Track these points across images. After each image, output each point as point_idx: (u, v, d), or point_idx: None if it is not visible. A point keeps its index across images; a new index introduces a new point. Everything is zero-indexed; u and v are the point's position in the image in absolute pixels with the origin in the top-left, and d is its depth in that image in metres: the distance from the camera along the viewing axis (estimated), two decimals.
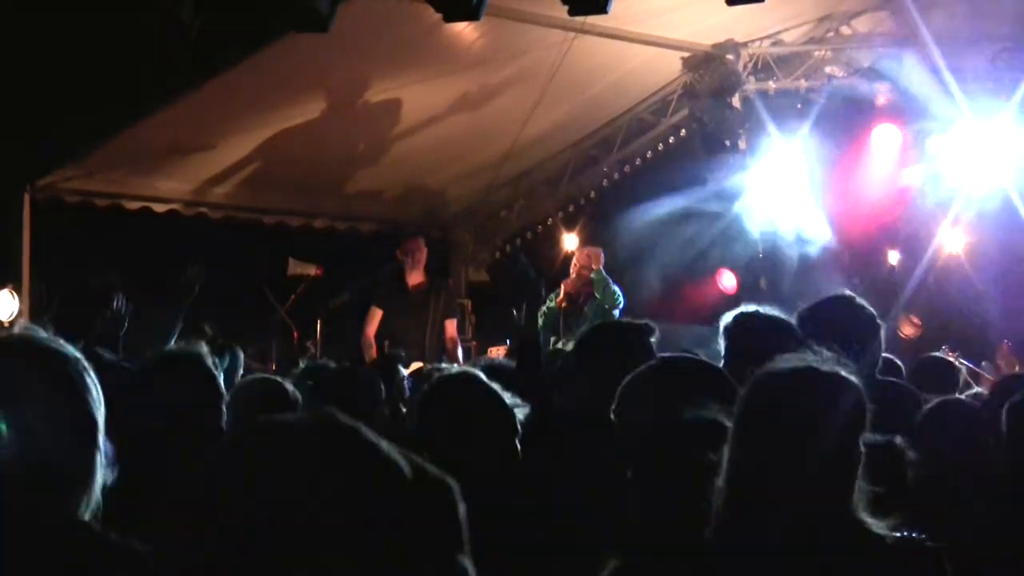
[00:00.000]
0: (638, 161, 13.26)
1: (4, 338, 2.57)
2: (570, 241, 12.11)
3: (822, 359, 3.12)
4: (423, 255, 10.58)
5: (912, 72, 10.87)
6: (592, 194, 13.67)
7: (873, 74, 11.79)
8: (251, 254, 12.78)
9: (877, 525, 2.72)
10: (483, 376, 4.11)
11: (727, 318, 4.82)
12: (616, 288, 10.24)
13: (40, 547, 2.18)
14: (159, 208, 12.36)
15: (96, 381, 2.32)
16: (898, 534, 2.72)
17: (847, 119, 11.91)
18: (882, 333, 4.88)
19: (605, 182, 13.56)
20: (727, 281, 12.40)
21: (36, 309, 10.08)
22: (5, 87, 9.89)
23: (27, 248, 11.46)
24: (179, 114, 10.54)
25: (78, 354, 2.35)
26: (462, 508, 1.52)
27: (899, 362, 6.15)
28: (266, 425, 1.59)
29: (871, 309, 4.85)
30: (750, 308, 4.83)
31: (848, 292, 5.16)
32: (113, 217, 12.25)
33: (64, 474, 2.21)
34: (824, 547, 2.66)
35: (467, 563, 1.49)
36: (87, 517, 2.27)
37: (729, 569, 2.70)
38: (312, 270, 11.75)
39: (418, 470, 1.53)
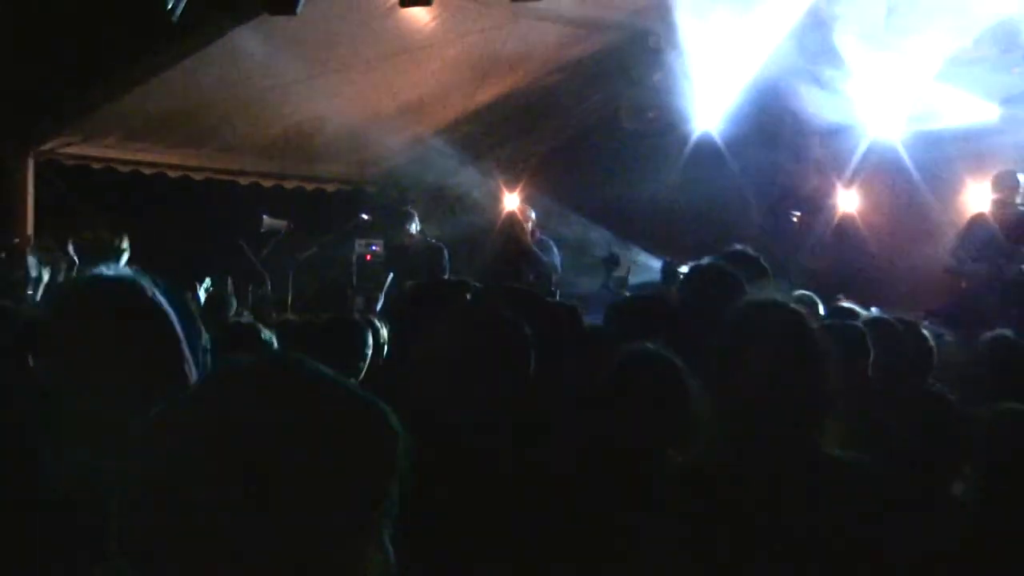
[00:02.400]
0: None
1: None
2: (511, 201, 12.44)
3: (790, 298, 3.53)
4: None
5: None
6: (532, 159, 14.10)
7: None
8: (229, 211, 12.96)
9: (833, 448, 2.84)
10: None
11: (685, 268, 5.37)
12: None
13: None
14: (147, 171, 12.76)
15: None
16: (849, 458, 2.82)
17: None
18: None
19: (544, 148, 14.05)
20: None
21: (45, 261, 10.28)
22: (10, 65, 10.34)
23: (31, 207, 11.93)
24: (163, 87, 11.00)
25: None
26: (401, 440, 1.44)
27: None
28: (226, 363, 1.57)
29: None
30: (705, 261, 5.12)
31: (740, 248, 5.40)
32: (107, 178, 12.59)
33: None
34: (784, 460, 2.77)
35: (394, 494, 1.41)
36: None
37: (716, 484, 2.79)
38: (283, 225, 12.02)
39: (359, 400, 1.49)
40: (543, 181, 13.31)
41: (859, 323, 5.14)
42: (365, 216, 12.81)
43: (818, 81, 11.33)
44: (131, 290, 2.46)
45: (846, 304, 6.60)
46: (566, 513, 2.98)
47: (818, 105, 11.42)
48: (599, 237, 12.38)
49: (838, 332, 4.41)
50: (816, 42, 11.07)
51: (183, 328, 2.95)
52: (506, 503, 2.94)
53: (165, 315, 2.50)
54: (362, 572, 1.38)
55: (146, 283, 2.48)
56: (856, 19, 10.78)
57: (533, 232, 10.64)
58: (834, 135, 11.85)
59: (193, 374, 2.48)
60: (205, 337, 3.80)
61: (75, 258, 9.80)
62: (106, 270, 2.51)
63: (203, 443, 1.35)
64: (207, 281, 9.70)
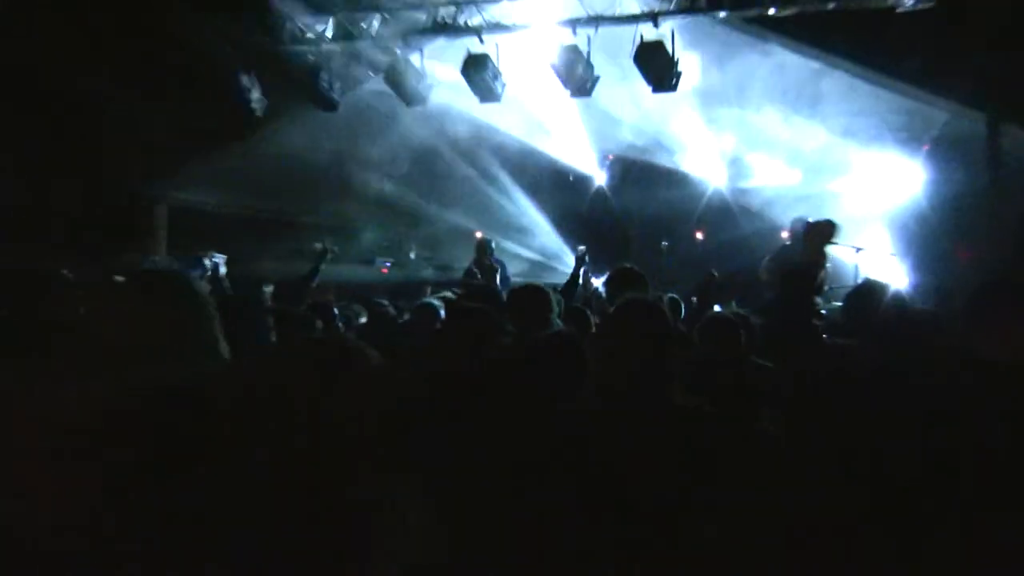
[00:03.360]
0: None
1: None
2: None
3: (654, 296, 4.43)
4: None
5: None
6: None
7: None
8: (291, 240, 13.79)
9: (685, 399, 3.23)
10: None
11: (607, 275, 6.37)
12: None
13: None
14: (236, 211, 14.36)
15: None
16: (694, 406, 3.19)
17: None
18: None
19: None
20: None
21: None
22: (151, 149, 12.33)
23: (164, 235, 13.95)
24: (248, 157, 13.06)
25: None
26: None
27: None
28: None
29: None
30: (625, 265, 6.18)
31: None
32: (212, 216, 14.14)
33: None
34: (645, 406, 3.16)
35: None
36: None
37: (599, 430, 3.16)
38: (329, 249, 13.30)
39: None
40: None
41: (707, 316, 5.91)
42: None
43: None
44: (178, 278, 2.75)
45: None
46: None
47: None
48: None
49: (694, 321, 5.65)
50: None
51: (249, 316, 3.52)
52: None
53: (203, 299, 2.76)
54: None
55: (192, 277, 2.77)
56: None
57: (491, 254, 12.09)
58: (683, 186, 14.33)
59: (223, 346, 2.73)
60: (270, 321, 4.31)
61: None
62: (157, 264, 3.01)
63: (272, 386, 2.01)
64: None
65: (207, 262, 8.40)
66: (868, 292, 4.88)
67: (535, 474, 3.06)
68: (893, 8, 9.76)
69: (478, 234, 13.74)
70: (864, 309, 4.56)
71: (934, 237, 12.02)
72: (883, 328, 3.79)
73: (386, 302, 7.55)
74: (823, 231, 9.64)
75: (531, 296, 5.34)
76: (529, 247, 15.12)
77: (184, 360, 2.51)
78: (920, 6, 9.62)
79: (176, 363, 2.50)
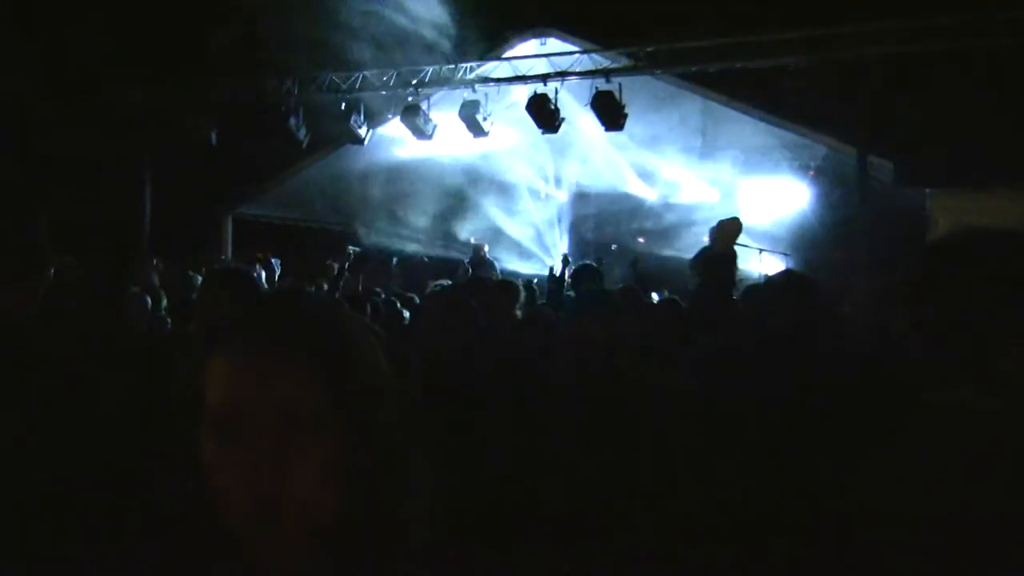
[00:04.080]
0: None
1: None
2: None
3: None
4: None
5: None
6: None
7: None
8: (331, 244, 12.54)
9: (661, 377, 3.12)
10: None
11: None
12: None
13: None
14: (290, 223, 14.59)
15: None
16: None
17: None
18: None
19: None
20: None
21: None
22: (220, 172, 12.72)
23: (230, 244, 13.93)
24: (300, 179, 13.61)
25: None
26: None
27: None
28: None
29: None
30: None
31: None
32: (269, 227, 14.37)
33: None
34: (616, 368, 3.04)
35: None
36: None
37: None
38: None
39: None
40: None
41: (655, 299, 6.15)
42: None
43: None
44: (247, 275, 2.64)
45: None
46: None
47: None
48: None
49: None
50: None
51: None
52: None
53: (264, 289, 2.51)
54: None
55: (255, 275, 2.46)
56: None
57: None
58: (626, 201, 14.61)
59: None
60: None
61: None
62: (236, 265, 2.36)
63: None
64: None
65: (273, 262, 8.69)
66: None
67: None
68: (786, 67, 9.99)
69: (472, 240, 13.80)
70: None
71: (816, 241, 12.26)
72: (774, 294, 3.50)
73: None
74: (731, 227, 9.58)
75: (500, 289, 4.85)
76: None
77: None
78: (804, 65, 9.83)
79: None
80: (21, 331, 2.15)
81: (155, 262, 10.71)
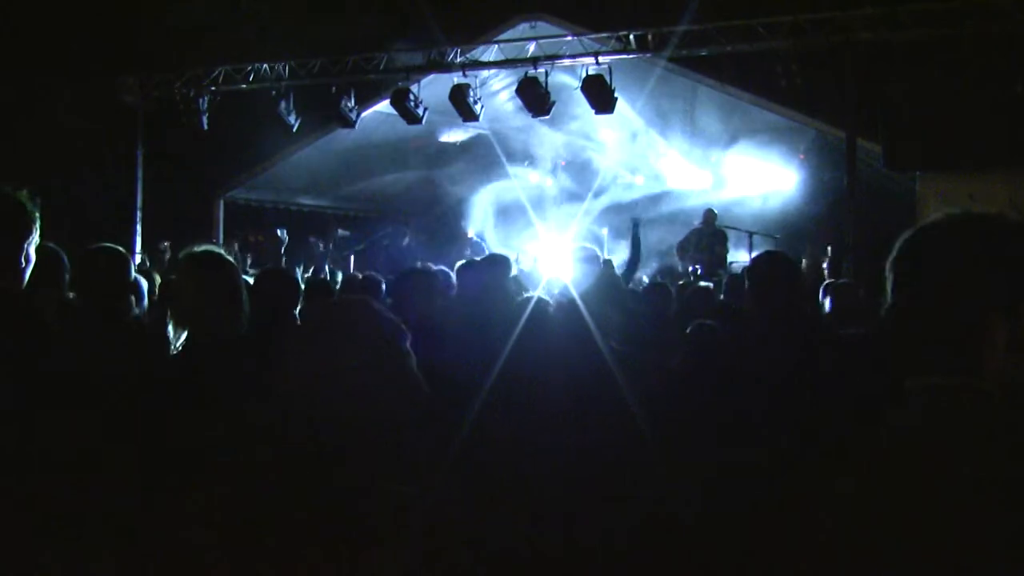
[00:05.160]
0: None
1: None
2: None
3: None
4: None
5: None
6: None
7: None
8: (322, 225, 13.99)
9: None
10: None
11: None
12: None
13: None
14: (280, 206, 14.82)
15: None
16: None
17: None
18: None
19: None
20: None
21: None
22: (213, 157, 12.85)
23: (221, 227, 14.02)
24: (291, 161, 13.64)
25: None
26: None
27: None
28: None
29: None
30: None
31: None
32: (260, 210, 14.71)
33: None
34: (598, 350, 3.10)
35: None
36: None
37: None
38: (348, 233, 13.56)
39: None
40: None
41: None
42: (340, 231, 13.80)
43: None
44: (217, 257, 2.52)
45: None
46: None
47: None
48: None
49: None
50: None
51: (281, 290, 3.38)
52: None
53: (236, 272, 2.52)
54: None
55: (227, 254, 2.49)
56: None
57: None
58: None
59: (245, 310, 2.46)
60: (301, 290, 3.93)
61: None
62: (205, 247, 2.49)
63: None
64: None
65: (281, 235, 8.85)
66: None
67: None
68: (776, 51, 10.05)
69: (470, 232, 13.83)
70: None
71: (804, 220, 12.25)
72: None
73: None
74: None
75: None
76: None
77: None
78: (794, 49, 9.90)
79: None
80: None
81: (163, 245, 10.88)
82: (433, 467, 2.11)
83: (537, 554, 2.44)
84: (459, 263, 5.38)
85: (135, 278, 3.66)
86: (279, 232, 9.14)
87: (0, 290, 2.01)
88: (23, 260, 2.11)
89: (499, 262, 4.90)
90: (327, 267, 11.57)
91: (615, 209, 13.23)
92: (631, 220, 7.78)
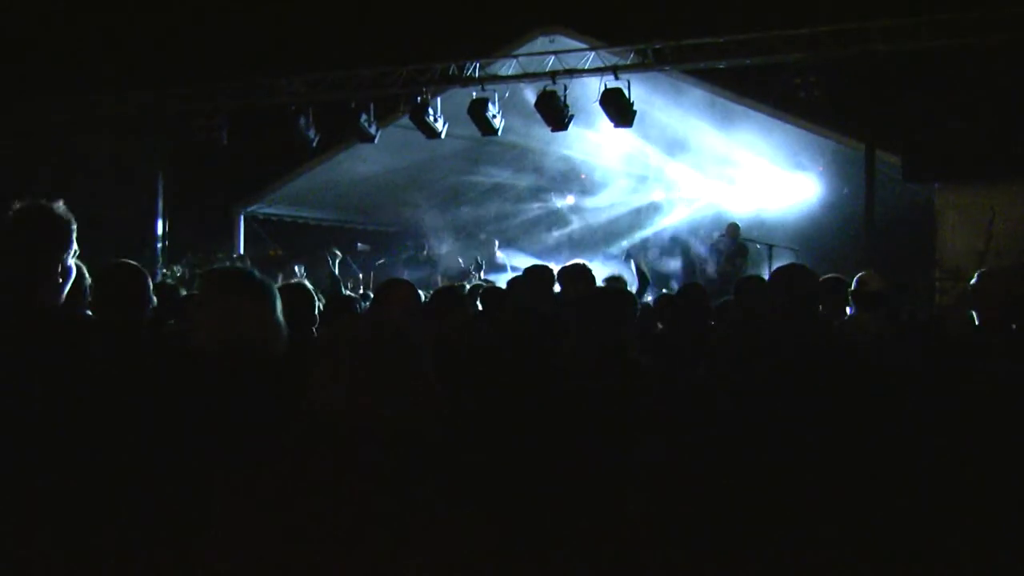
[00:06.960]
0: None
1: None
2: None
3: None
4: None
5: None
6: None
7: None
8: (337, 239, 13.17)
9: (640, 359, 3.21)
10: None
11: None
12: None
13: None
14: (300, 221, 14.97)
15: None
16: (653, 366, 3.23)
17: None
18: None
19: None
20: None
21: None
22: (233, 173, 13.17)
23: (243, 241, 14.23)
24: (308, 178, 13.73)
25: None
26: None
27: None
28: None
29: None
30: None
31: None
32: (280, 225, 14.74)
33: None
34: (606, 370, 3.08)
35: None
36: None
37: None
38: (368, 248, 13.45)
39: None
40: None
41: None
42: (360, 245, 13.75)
43: None
44: (248, 274, 2.47)
45: None
46: None
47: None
48: None
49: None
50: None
51: (302, 303, 3.38)
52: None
53: (269, 289, 2.42)
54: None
55: (257, 271, 2.41)
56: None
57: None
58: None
59: (283, 327, 2.38)
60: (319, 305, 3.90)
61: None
62: (233, 263, 2.83)
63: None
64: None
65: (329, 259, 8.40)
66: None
67: None
68: (794, 63, 10.04)
69: (482, 236, 13.78)
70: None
71: (822, 232, 12.21)
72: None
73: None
74: None
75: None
76: None
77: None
78: (813, 61, 9.86)
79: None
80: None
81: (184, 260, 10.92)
82: None
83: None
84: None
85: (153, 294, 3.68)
86: (358, 246, 8.71)
87: (38, 308, 2.01)
88: (61, 273, 2.09)
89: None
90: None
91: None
92: (624, 252, 7.63)
